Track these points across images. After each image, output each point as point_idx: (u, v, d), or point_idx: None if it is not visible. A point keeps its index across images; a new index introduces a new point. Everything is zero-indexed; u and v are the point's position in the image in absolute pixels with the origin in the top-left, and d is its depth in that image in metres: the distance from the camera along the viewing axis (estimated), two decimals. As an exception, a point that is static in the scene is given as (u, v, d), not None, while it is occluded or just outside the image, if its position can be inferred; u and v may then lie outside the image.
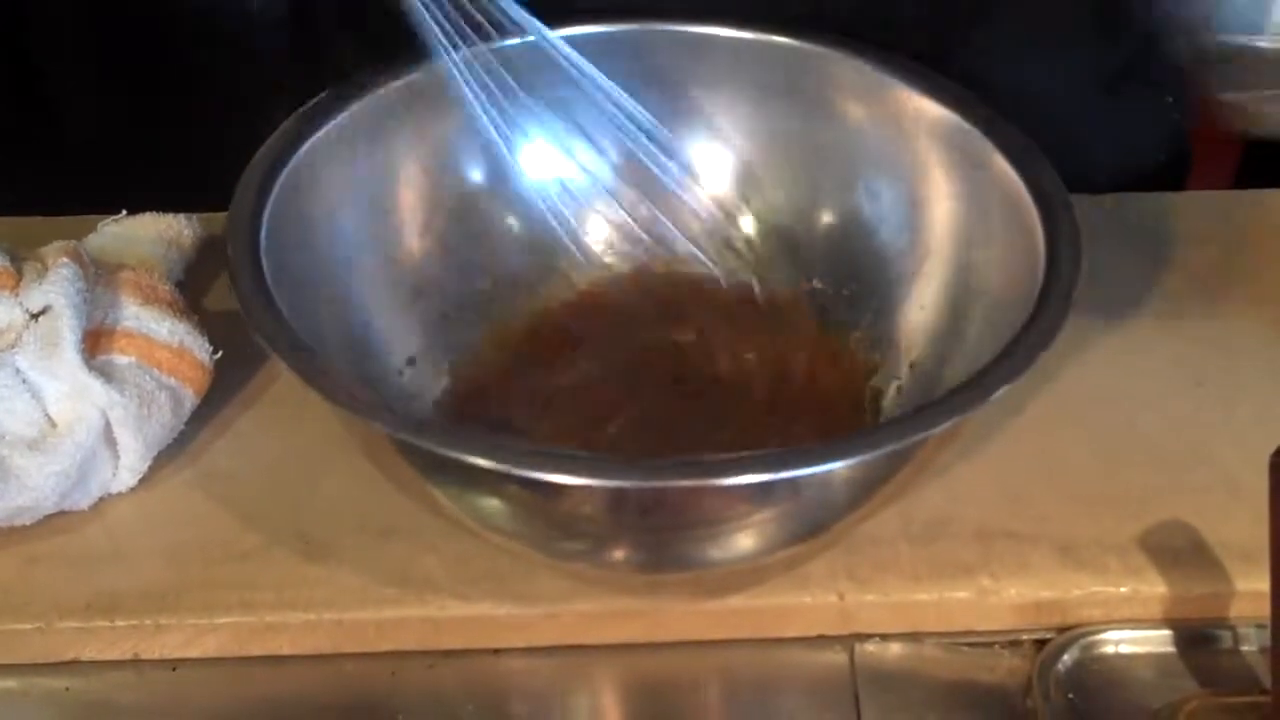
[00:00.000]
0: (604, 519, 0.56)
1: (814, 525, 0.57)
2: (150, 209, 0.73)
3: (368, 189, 0.66)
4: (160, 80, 0.82)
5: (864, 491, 0.56)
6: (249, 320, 0.56)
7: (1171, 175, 0.82)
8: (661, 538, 0.57)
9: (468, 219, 0.69)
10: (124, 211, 0.73)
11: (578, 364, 0.67)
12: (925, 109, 0.65)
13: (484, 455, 0.51)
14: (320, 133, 0.64)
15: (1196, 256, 0.74)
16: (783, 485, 0.52)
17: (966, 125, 0.64)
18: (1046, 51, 0.79)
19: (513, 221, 0.69)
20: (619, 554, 0.59)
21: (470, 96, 0.64)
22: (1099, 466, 0.64)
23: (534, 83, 0.67)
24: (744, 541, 0.57)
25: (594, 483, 0.52)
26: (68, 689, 0.60)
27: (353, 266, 0.65)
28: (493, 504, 0.56)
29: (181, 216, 0.73)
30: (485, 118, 0.65)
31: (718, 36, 0.69)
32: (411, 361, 0.66)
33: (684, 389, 0.67)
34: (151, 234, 0.72)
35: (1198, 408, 0.67)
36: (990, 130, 0.63)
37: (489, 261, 0.69)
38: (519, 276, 0.69)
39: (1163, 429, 0.66)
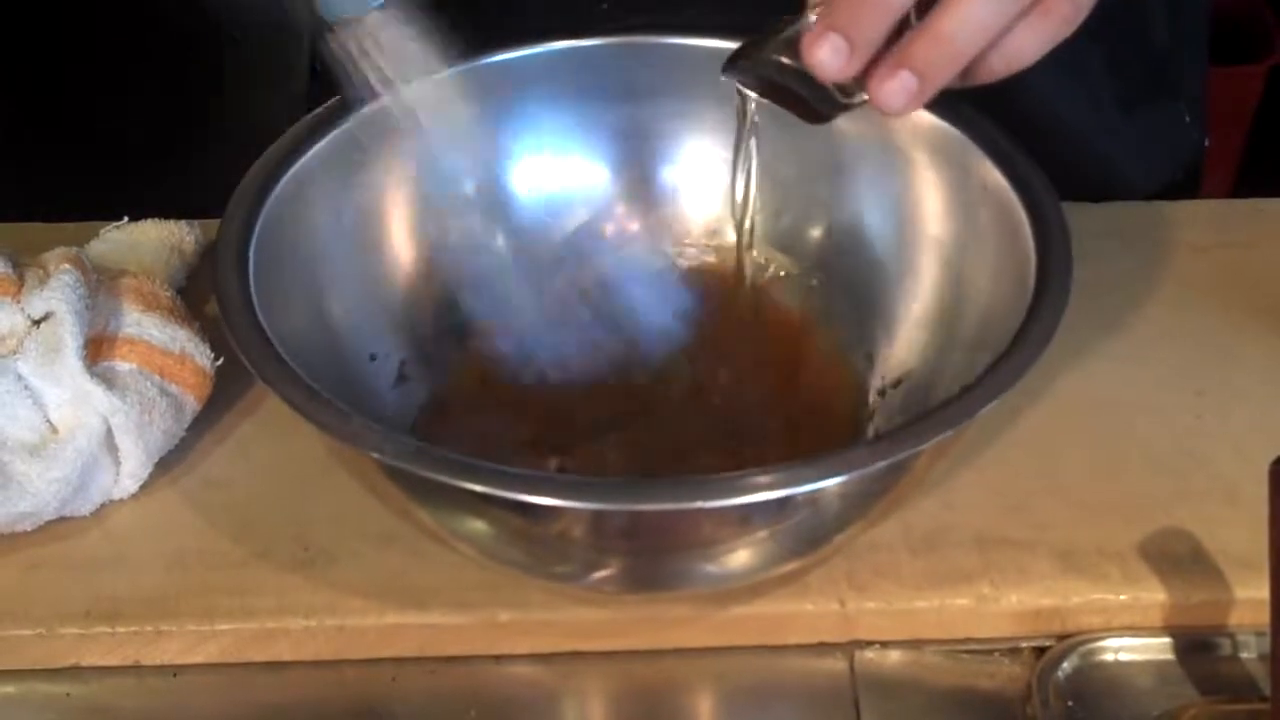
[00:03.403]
0: (591, 541, 0.55)
1: (811, 541, 0.57)
2: (153, 215, 0.73)
3: (360, 202, 0.66)
4: (162, 87, 0.82)
5: (857, 507, 0.56)
6: (235, 343, 0.56)
7: (1187, 191, 0.82)
8: (651, 560, 0.56)
9: (458, 233, 0.68)
10: (126, 218, 0.73)
11: (569, 381, 0.67)
12: (914, 116, 0.65)
13: (469, 478, 0.50)
14: (317, 146, 0.64)
15: (1195, 265, 0.74)
16: (775, 504, 0.52)
17: (955, 131, 0.64)
18: (1065, 68, 0.79)
19: (503, 233, 0.68)
20: (607, 576, 0.58)
21: (425, 132, 0.64)
22: (1099, 474, 0.64)
23: (521, 97, 0.67)
24: (738, 560, 0.57)
25: (580, 505, 0.51)
26: (68, 695, 0.60)
27: (342, 279, 0.65)
28: (479, 528, 0.56)
29: (184, 223, 0.73)
30: (449, 150, 0.65)
31: (700, 48, 0.68)
32: (401, 377, 0.66)
33: (676, 401, 0.67)
34: (154, 240, 0.72)
35: (1197, 416, 0.67)
36: (979, 136, 0.63)
37: (480, 273, 0.68)
38: (510, 288, 0.69)
39: (1162, 437, 0.66)
